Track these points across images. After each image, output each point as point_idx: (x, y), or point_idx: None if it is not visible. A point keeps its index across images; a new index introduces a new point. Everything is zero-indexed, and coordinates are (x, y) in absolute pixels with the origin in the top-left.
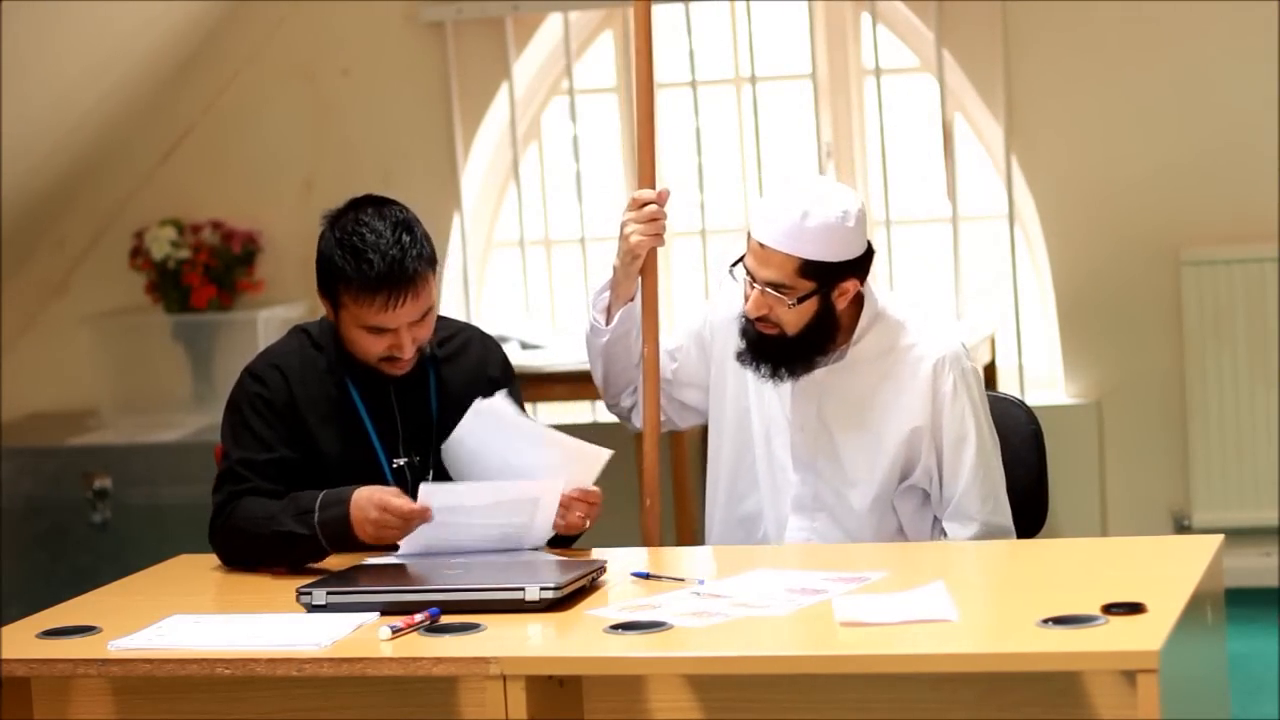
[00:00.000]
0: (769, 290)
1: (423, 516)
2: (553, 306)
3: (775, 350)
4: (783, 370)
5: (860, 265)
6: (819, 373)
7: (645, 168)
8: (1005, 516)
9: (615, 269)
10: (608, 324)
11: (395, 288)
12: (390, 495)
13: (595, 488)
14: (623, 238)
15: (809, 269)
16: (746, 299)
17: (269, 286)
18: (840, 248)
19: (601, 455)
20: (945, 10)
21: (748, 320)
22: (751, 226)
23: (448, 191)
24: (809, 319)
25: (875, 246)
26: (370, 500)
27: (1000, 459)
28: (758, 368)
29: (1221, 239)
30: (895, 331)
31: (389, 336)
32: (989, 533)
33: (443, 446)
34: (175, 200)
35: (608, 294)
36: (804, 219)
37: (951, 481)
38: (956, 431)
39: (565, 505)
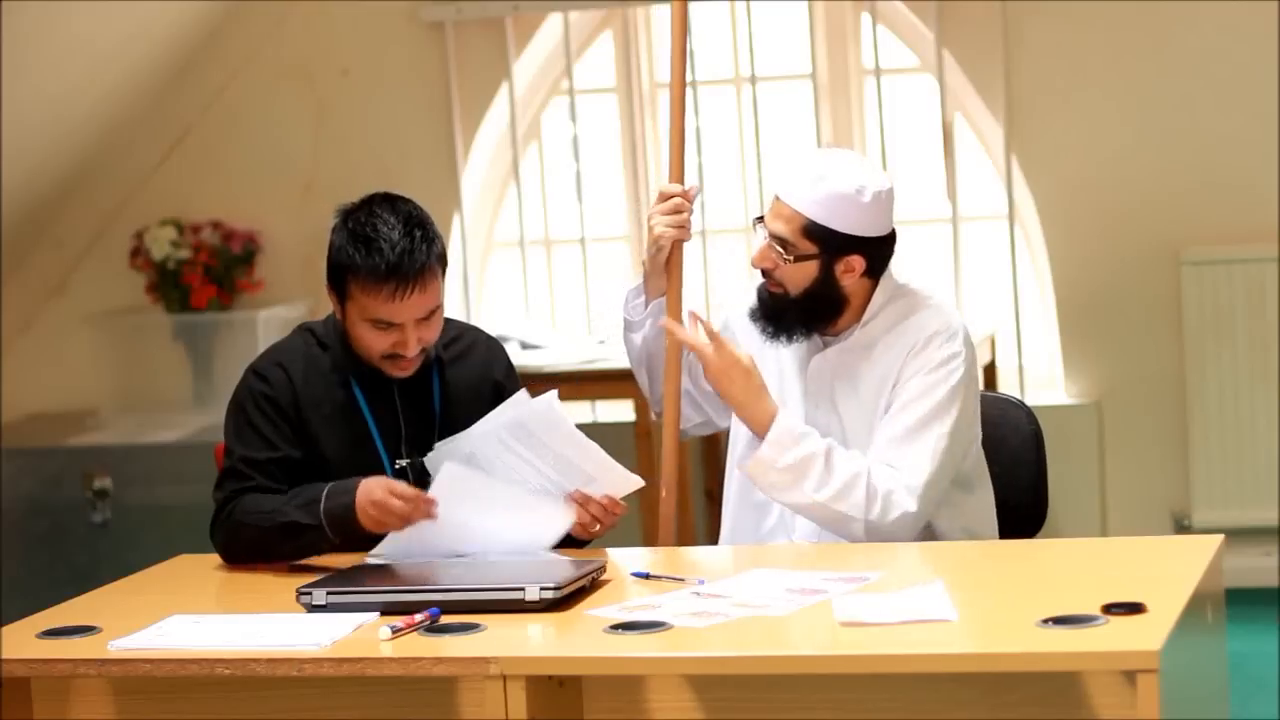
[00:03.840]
0: (773, 242)
1: (428, 505)
2: (553, 306)
3: (778, 310)
4: (782, 332)
5: (869, 246)
6: (832, 351)
7: (675, 163)
8: (917, 483)
9: (644, 264)
10: (639, 318)
11: (404, 279)
12: (398, 483)
13: (623, 503)
14: (649, 229)
15: (813, 231)
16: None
17: (269, 286)
18: (849, 219)
19: (632, 482)
20: (945, 10)
21: (763, 277)
22: (777, 179)
23: (448, 191)
24: (809, 284)
25: (898, 236)
26: (377, 482)
27: (954, 455)
28: (763, 326)
29: (1221, 239)
30: (909, 307)
31: (394, 333)
32: (883, 480)
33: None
34: (175, 200)
35: (641, 294)
36: (818, 180)
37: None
38: (911, 393)
39: (583, 503)
